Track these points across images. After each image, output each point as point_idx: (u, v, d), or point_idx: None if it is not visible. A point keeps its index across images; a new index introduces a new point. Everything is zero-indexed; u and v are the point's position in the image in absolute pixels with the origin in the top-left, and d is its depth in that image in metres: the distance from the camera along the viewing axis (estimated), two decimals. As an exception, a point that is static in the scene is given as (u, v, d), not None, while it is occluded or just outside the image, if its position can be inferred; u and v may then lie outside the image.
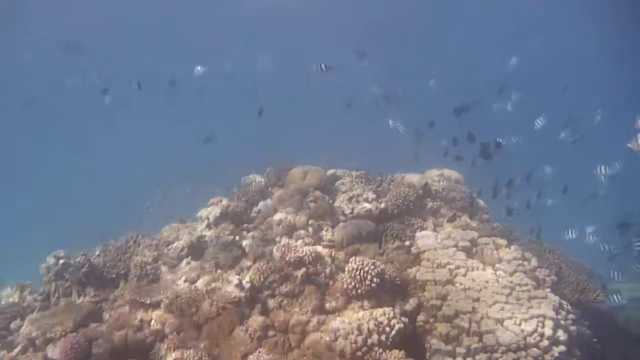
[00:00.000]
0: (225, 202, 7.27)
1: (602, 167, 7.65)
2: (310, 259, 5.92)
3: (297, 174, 7.86)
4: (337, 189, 7.87)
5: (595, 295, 6.22)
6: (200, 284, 5.94)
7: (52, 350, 5.09)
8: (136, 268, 5.89)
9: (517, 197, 8.60)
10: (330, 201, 7.53)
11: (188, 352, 4.93)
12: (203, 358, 4.94)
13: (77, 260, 6.12)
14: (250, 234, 6.99)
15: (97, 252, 6.50)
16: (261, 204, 7.49)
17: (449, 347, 5.15)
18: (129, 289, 5.72)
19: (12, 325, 5.70)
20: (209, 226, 7.06)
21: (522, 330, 5.08)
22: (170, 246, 6.80)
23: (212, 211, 7.06)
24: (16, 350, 5.29)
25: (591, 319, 5.94)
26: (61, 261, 6.09)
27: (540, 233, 7.84)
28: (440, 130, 9.38)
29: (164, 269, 6.28)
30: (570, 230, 7.59)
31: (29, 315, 5.66)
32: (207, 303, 5.57)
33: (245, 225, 7.20)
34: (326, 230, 6.93)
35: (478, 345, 5.03)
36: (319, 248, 6.22)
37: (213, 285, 5.82)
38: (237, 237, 6.91)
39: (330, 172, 8.30)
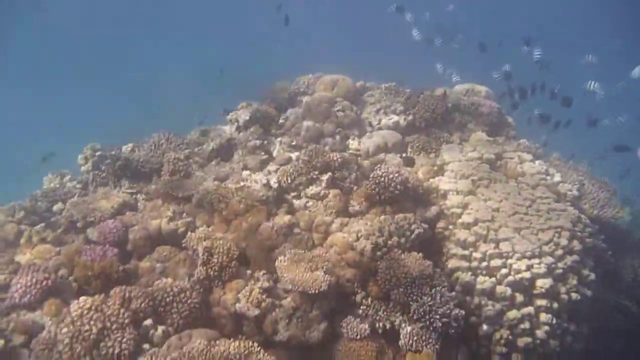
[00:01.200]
0: (255, 105, 7.37)
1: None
2: (337, 164, 6.07)
3: (326, 83, 7.87)
4: (366, 101, 7.89)
5: (615, 212, 6.32)
6: (229, 182, 6.17)
7: (92, 233, 5.45)
8: (169, 163, 6.13)
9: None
10: (358, 112, 7.59)
11: (218, 242, 5.21)
12: (232, 248, 5.22)
13: (112, 153, 6.39)
14: (279, 139, 7.14)
15: (130, 148, 6.75)
16: (290, 111, 7.59)
17: (466, 252, 5.37)
18: (162, 183, 5.99)
19: (55, 208, 6.07)
20: (238, 129, 7.21)
21: (539, 239, 5.25)
22: (201, 147, 7.01)
23: (241, 114, 7.18)
24: (59, 230, 5.68)
25: (608, 234, 6.07)
26: (97, 153, 6.36)
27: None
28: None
29: (194, 167, 6.51)
30: None
31: (70, 199, 6.00)
32: (235, 200, 5.81)
33: (274, 130, 7.33)
34: (352, 139, 7.04)
35: (494, 251, 5.23)
36: (346, 154, 6.35)
37: (242, 184, 6.04)
38: (266, 142, 7.07)
39: (359, 83, 8.28)
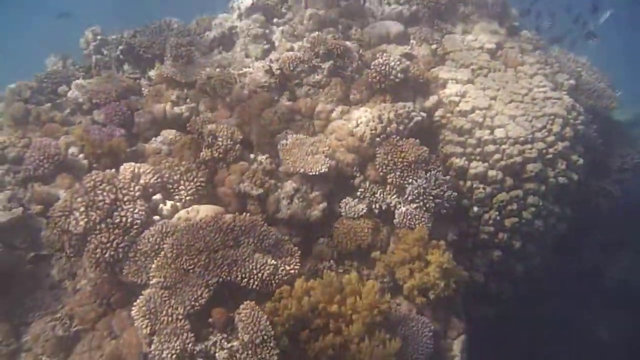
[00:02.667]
0: (256, -6, 7.14)
1: None
2: (339, 52, 5.99)
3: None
4: (369, -10, 7.62)
5: (609, 102, 6.36)
6: (232, 69, 6.13)
7: (98, 115, 5.51)
8: (171, 49, 6.05)
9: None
10: (362, 1, 7.36)
11: (222, 126, 5.28)
12: (235, 132, 5.30)
13: (113, 37, 6.27)
14: (280, 28, 6.99)
15: (131, 34, 6.61)
16: None
17: (461, 139, 5.47)
18: (165, 67, 5.94)
19: (60, 90, 6.07)
20: (240, 17, 7.04)
21: (532, 126, 5.34)
22: (202, 35, 6.88)
23: (243, 2, 6.98)
24: (66, 112, 5.74)
25: (600, 124, 6.15)
26: (98, 37, 6.25)
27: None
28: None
29: (197, 54, 6.43)
30: None
31: (74, 81, 5.98)
32: (238, 86, 5.82)
33: (276, 20, 7.16)
34: (355, 30, 6.89)
35: (489, 138, 5.33)
36: (348, 43, 6.26)
37: (244, 70, 6.01)
38: (267, 31, 6.94)
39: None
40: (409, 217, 5.04)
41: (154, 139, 5.47)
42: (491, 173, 5.31)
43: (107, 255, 4.11)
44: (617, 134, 6.98)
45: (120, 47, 6.21)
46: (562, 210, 5.61)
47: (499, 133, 5.32)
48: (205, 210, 4.67)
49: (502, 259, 5.53)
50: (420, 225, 4.97)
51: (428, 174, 5.15)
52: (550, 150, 5.31)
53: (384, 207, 5.18)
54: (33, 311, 4.50)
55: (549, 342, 7.65)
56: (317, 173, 4.95)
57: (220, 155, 5.18)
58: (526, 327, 7.15)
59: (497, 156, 5.28)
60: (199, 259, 4.02)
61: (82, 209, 4.14)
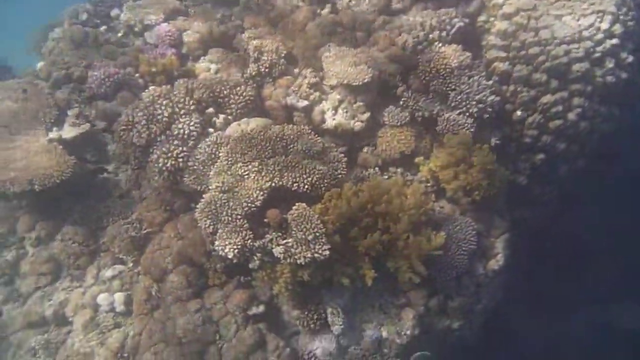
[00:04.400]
0: None
1: None
2: (378, -40, 5.78)
3: None
4: None
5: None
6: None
7: (150, 36, 5.62)
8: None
9: None
10: None
11: (267, 42, 5.30)
12: (279, 46, 5.31)
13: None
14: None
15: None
16: None
17: (505, 42, 5.29)
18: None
19: (112, 13, 6.18)
20: None
21: (579, 25, 5.08)
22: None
23: None
24: (119, 34, 5.88)
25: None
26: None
27: None
28: None
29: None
30: None
31: (126, 3, 6.06)
32: (280, 1, 5.74)
33: None
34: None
35: (533, 40, 5.12)
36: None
37: (285, -15, 5.91)
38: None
39: None
40: (452, 123, 5.01)
41: (202, 58, 5.55)
42: (536, 76, 5.15)
43: (168, 164, 4.34)
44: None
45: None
46: (609, 110, 5.42)
47: (544, 34, 5.09)
48: (255, 122, 4.80)
49: (545, 162, 5.46)
50: (464, 130, 4.95)
51: (471, 80, 5.06)
52: (598, 48, 5.05)
53: (426, 115, 5.14)
54: (107, 217, 4.88)
55: (589, 245, 7.65)
56: (360, 83, 4.94)
57: (267, 70, 5.24)
58: (567, 230, 7.14)
59: (541, 58, 5.09)
60: (252, 165, 4.19)
61: (144, 122, 4.33)
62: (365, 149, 5.15)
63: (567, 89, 5.18)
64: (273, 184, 4.14)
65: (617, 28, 5.13)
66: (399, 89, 5.25)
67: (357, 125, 5.06)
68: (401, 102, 5.22)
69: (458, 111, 5.04)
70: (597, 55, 5.09)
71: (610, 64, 5.15)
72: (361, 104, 5.11)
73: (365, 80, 4.95)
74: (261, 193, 4.07)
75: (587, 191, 6.97)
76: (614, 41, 5.09)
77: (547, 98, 5.18)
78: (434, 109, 5.15)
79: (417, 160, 5.02)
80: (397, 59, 5.27)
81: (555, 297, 7.61)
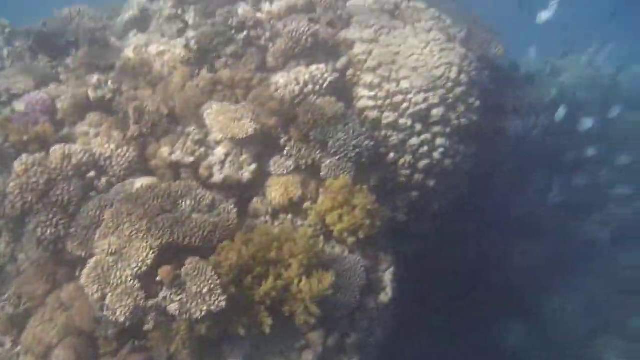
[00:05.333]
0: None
1: None
2: (252, 23, 6.11)
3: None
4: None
5: (496, 50, 6.89)
6: (150, 49, 6.10)
7: (19, 105, 5.35)
8: (86, 34, 5.91)
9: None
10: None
11: (147, 102, 5.30)
12: (161, 106, 5.33)
13: (26, 28, 6.04)
14: (192, 7, 6.97)
15: (41, 23, 6.37)
16: (201, -21, 7.33)
17: (372, 93, 5.78)
18: (81, 53, 5.82)
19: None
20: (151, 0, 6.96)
21: (432, 75, 5.73)
22: (116, 19, 6.75)
23: (153, -17, 6.90)
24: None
25: (492, 70, 6.68)
26: (7, 29, 5.99)
27: None
28: None
29: (112, 38, 6.33)
30: None
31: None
32: (158, 64, 5.82)
33: (188, -1, 7.13)
34: (265, 2, 7.00)
35: (396, 89, 5.67)
36: (259, 14, 6.38)
37: (162, 48, 6.00)
38: (180, 11, 6.90)
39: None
40: (334, 168, 5.31)
41: (80, 123, 5.39)
42: (402, 121, 5.67)
43: (48, 233, 4.11)
44: (508, 79, 7.59)
45: (32, 37, 5.99)
46: (467, 148, 6.08)
47: (405, 84, 5.67)
48: (140, 182, 4.72)
49: (419, 199, 5.94)
50: (344, 174, 5.26)
51: (346, 127, 5.43)
52: (450, 95, 5.74)
53: (310, 162, 5.40)
54: (-21, 297, 4.43)
55: (468, 274, 8.30)
56: (245, 136, 5.09)
57: (149, 130, 5.21)
58: (448, 260, 7.71)
59: (405, 105, 5.64)
60: (140, 225, 4.10)
61: (17, 191, 4.09)
62: (255, 199, 5.25)
63: (430, 131, 5.76)
64: (163, 241, 4.07)
65: (463, 77, 5.86)
66: (282, 139, 5.48)
67: (245, 176, 5.17)
68: (285, 152, 5.44)
69: (338, 157, 5.36)
70: (450, 101, 5.76)
71: (462, 108, 5.85)
72: (247, 156, 5.25)
73: (249, 133, 5.11)
74: (152, 252, 3.98)
75: (461, 224, 7.65)
76: (463, 88, 5.81)
77: (414, 140, 5.71)
78: (316, 156, 5.42)
79: (305, 205, 5.21)
80: (277, 112, 5.52)
81: (443, 325, 8.10)
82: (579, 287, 9.56)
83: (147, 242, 3.99)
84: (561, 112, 7.62)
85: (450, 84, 5.71)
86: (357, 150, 5.35)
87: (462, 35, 6.42)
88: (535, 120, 8.16)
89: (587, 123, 8.81)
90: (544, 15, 9.91)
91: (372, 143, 5.46)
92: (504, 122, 6.88)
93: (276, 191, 5.19)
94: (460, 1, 7.95)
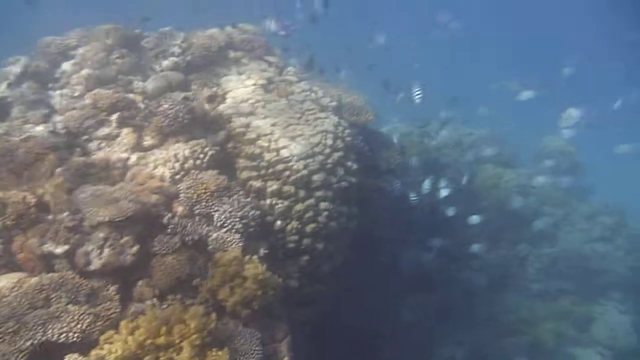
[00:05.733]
0: (24, 61, 6.78)
1: None
2: (123, 104, 6.02)
3: (100, 33, 7.53)
4: (144, 47, 7.77)
5: (367, 117, 7.44)
6: (12, 137, 5.72)
7: None
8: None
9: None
10: (138, 58, 7.47)
11: (10, 193, 4.90)
12: (27, 197, 4.96)
13: None
14: (58, 92, 6.73)
15: None
16: (65, 64, 7.15)
17: (254, 163, 5.89)
18: None
19: None
20: (10, 86, 6.59)
21: (310, 143, 6.00)
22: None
23: (12, 70, 6.57)
24: None
25: (365, 135, 7.18)
26: None
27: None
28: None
29: (-32, 129, 5.85)
30: None
31: None
32: (22, 151, 5.45)
33: (51, 85, 6.87)
34: (137, 82, 6.97)
35: (277, 158, 5.84)
36: (131, 95, 6.31)
37: (26, 135, 5.66)
38: (44, 96, 6.63)
39: (135, 31, 8.07)
40: (221, 241, 5.23)
41: None
42: (285, 188, 5.81)
43: None
44: (380, 142, 8.18)
45: None
46: (350, 209, 6.35)
47: (285, 153, 5.87)
48: (5, 279, 4.27)
49: (310, 263, 6.01)
50: (233, 246, 5.19)
51: (231, 199, 5.43)
52: (329, 160, 6.03)
53: (196, 238, 5.27)
54: None
55: (365, 332, 8.41)
56: (124, 218, 4.87)
57: (13, 223, 4.79)
58: (344, 320, 7.77)
59: (287, 173, 5.81)
60: (7, 326, 3.67)
61: None
62: (140, 282, 4.96)
63: (313, 196, 5.95)
64: (35, 341, 3.67)
65: (339, 143, 6.22)
66: (165, 217, 5.32)
67: (128, 259, 4.89)
68: (169, 230, 5.27)
69: (225, 229, 5.30)
70: (329, 166, 6.04)
71: (341, 171, 6.15)
72: (128, 238, 4.99)
73: (129, 214, 4.90)
74: (21, 355, 3.56)
75: (354, 284, 7.81)
76: (340, 153, 6.14)
77: (299, 206, 5.85)
78: (202, 231, 5.32)
79: (194, 282, 5.02)
80: (157, 190, 5.38)
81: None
82: (463, 335, 10.10)
83: (14, 345, 3.57)
84: (427, 184, 8.37)
85: (327, 150, 6.01)
86: (244, 221, 5.35)
87: (333, 105, 6.86)
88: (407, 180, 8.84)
89: (475, 219, 9.70)
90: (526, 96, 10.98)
91: (258, 212, 5.50)
92: (381, 182, 7.34)
93: (162, 271, 4.96)
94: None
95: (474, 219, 9.60)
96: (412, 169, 9.14)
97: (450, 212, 9.11)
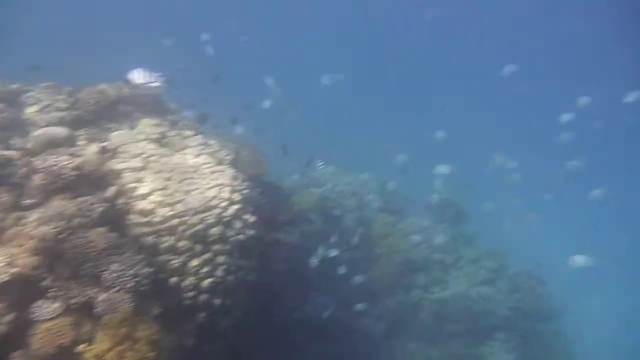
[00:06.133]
0: None
1: None
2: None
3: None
4: (24, 102, 7.34)
5: (263, 170, 7.55)
6: None
7: None
8: None
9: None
10: (18, 114, 7.04)
11: None
12: None
13: None
14: None
15: None
16: None
17: (147, 219, 5.70)
18: None
19: None
20: None
21: (206, 197, 5.95)
22: None
23: None
24: None
25: (263, 187, 7.26)
26: None
27: None
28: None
29: None
30: None
31: None
32: None
33: None
34: (15, 139, 6.53)
35: (171, 213, 5.71)
36: (7, 152, 5.90)
37: None
38: None
39: (13, 86, 7.62)
40: (110, 302, 4.93)
41: None
42: (181, 243, 5.66)
43: None
44: (277, 194, 8.30)
45: None
46: (248, 262, 6.30)
47: (180, 207, 5.76)
48: None
49: (207, 319, 5.82)
50: (123, 307, 4.91)
51: (122, 257, 5.18)
52: (226, 213, 6.00)
53: (82, 301, 4.93)
54: None
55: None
56: (-3, 283, 4.46)
57: None
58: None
59: (182, 228, 5.68)
60: None
61: None
62: (16, 353, 4.51)
63: (210, 250, 5.85)
64: None
65: (236, 196, 6.24)
66: (47, 280, 4.94)
67: (1, 329, 4.45)
68: (51, 294, 4.88)
69: (114, 289, 5.01)
70: (226, 219, 6.01)
71: (238, 224, 6.13)
72: (2, 305, 4.56)
73: (4, 280, 4.52)
74: None
75: (254, 340, 7.62)
76: (237, 206, 6.15)
77: (195, 261, 5.71)
78: (89, 293, 4.99)
79: (79, 348, 4.65)
80: (39, 251, 5.00)
81: None
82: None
83: None
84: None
85: (224, 203, 5.99)
86: (136, 279, 5.10)
87: (230, 158, 6.90)
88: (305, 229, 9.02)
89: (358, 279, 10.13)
90: None
91: (151, 270, 5.29)
92: (279, 234, 7.39)
93: (42, 339, 4.55)
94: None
95: (358, 278, 9.98)
96: (310, 221, 9.34)
97: (342, 270, 9.45)
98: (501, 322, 12.03)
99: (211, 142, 7.06)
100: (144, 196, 5.81)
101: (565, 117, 14.26)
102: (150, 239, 5.61)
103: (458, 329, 11.63)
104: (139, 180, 5.94)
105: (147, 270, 5.21)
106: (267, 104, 12.03)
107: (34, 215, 5.40)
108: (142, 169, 6.12)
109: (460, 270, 12.94)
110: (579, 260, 9.92)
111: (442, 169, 12.77)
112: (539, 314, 12.70)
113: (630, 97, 13.21)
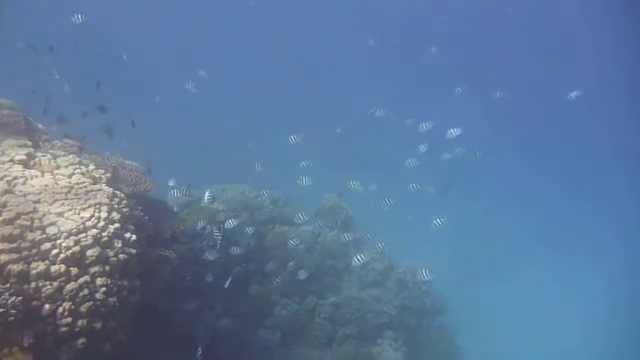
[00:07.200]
0: None
1: None
2: None
3: None
4: None
5: (145, 186, 7.31)
6: None
7: None
8: None
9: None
10: None
11: None
12: None
13: None
14: None
15: None
16: None
17: (14, 245, 5.30)
18: None
19: None
20: None
21: (82, 217, 5.68)
22: None
23: None
24: None
25: (145, 205, 7.02)
26: None
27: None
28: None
29: None
30: None
31: None
32: None
33: None
34: None
35: (42, 237, 5.37)
36: None
37: None
38: None
39: None
40: (-27, 338, 4.53)
41: None
42: (54, 268, 5.33)
43: None
44: (162, 210, 8.08)
45: None
46: (131, 283, 6.07)
47: (52, 230, 5.43)
48: None
49: (88, 345, 5.52)
50: (-11, 341, 4.54)
51: (-17, 289, 4.78)
52: (104, 233, 5.74)
53: (-62, 340, 4.48)
54: None
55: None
56: None
57: None
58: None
59: (55, 251, 5.36)
60: None
61: None
62: None
63: (88, 273, 5.56)
64: None
65: (115, 215, 6.02)
66: None
67: None
68: None
69: (-23, 324, 4.61)
70: (105, 239, 5.77)
71: (118, 244, 5.91)
72: None
73: None
74: None
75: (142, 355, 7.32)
76: (116, 225, 5.92)
77: (71, 285, 5.40)
78: (-53, 331, 4.54)
79: None
80: None
81: None
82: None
83: None
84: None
85: (102, 223, 5.74)
86: (2, 310, 4.73)
87: (107, 176, 6.61)
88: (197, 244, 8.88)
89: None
90: None
91: (20, 298, 4.92)
92: (165, 252, 7.19)
93: None
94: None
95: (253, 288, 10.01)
96: (200, 236, 9.20)
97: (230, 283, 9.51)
98: (390, 321, 12.65)
99: (86, 161, 6.73)
100: (10, 221, 5.38)
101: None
102: (17, 267, 5.21)
103: (350, 331, 12.04)
104: (3, 205, 5.50)
105: (14, 300, 4.84)
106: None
107: None
108: (6, 192, 5.67)
109: (351, 274, 13.45)
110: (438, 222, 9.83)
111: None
112: (424, 311, 13.55)
113: None
